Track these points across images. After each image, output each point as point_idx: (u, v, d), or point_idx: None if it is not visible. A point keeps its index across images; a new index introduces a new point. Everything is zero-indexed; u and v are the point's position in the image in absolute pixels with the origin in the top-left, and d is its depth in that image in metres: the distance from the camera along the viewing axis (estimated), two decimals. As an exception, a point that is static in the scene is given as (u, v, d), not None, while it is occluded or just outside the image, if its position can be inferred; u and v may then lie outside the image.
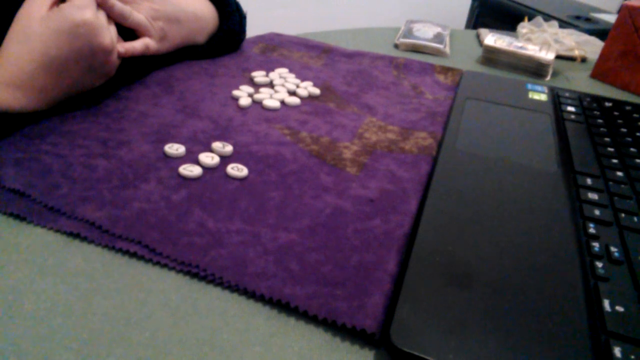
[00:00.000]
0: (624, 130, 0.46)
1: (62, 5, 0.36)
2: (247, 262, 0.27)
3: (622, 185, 0.36)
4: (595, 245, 0.29)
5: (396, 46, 0.69)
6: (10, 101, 0.36)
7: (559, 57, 0.70)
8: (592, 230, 0.31)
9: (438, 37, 0.70)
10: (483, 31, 0.77)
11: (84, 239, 0.29)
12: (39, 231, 0.29)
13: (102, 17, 0.38)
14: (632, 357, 0.22)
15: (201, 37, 0.53)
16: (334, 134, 0.42)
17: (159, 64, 0.51)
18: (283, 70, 0.53)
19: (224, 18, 0.55)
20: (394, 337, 0.22)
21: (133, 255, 0.28)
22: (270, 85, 0.51)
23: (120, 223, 0.29)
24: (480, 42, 0.74)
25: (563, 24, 1.38)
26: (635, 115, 0.49)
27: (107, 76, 0.41)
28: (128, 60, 0.44)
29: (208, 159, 0.36)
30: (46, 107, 0.38)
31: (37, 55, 0.36)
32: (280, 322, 0.25)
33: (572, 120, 0.47)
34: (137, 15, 0.43)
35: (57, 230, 0.29)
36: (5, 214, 0.30)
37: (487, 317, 0.24)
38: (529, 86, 0.55)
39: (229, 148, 0.37)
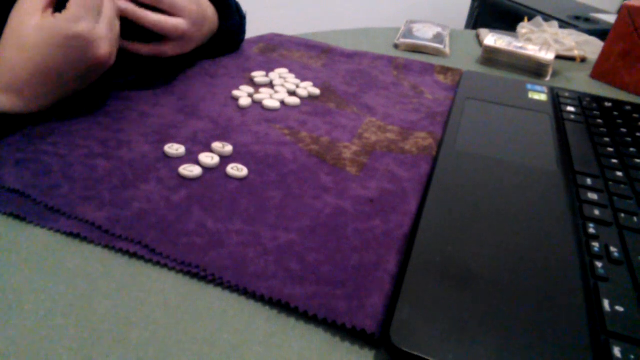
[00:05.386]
0: (623, 130, 0.46)
1: (57, 16, 0.35)
2: (247, 262, 0.27)
3: (622, 185, 0.36)
4: (595, 245, 0.30)
5: (396, 46, 0.69)
6: (7, 104, 0.36)
7: (558, 57, 0.70)
8: (592, 231, 0.31)
9: (438, 38, 0.70)
10: (483, 31, 0.77)
11: (84, 239, 0.29)
12: (39, 231, 0.29)
13: (101, 26, 0.37)
14: (632, 357, 0.22)
15: (206, 39, 0.53)
16: (333, 134, 0.42)
17: (159, 64, 0.51)
18: (283, 71, 0.53)
19: (224, 19, 0.55)
20: (394, 337, 0.22)
21: (133, 255, 0.28)
22: (270, 85, 0.51)
23: (120, 223, 0.29)
24: (480, 43, 0.74)
25: (563, 24, 1.38)
26: (635, 115, 0.49)
27: (102, 73, 0.41)
28: (130, 59, 0.44)
29: (208, 159, 0.36)
30: (43, 110, 0.38)
31: (32, 64, 0.35)
32: (280, 322, 0.25)
33: (572, 120, 0.47)
34: None
35: (57, 231, 0.29)
36: (5, 214, 0.30)
37: (487, 317, 0.24)
38: (529, 86, 0.55)
39: (228, 148, 0.37)
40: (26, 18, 0.35)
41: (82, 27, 0.35)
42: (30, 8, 0.35)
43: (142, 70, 0.49)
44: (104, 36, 0.37)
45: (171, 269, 0.27)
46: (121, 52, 0.41)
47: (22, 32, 0.35)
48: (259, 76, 0.51)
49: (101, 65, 0.38)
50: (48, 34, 0.35)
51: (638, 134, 0.45)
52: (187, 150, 0.37)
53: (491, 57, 0.65)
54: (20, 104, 0.36)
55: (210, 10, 0.52)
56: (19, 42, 0.35)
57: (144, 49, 0.45)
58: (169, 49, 0.47)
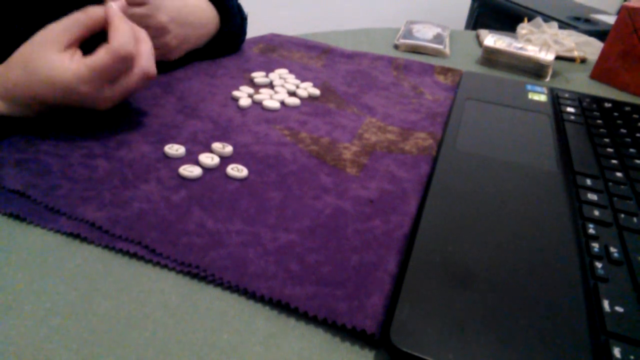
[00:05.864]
0: (623, 130, 0.46)
1: (68, 68, 0.34)
2: (247, 262, 0.27)
3: (622, 186, 0.36)
4: (595, 245, 0.30)
5: (396, 47, 0.69)
6: (8, 109, 0.36)
7: (558, 58, 0.70)
8: (591, 231, 0.31)
9: (438, 38, 0.70)
10: (483, 32, 0.77)
11: (84, 239, 0.29)
12: (39, 231, 0.29)
13: (112, 91, 0.36)
14: (632, 357, 0.22)
15: (204, 41, 0.53)
16: (333, 135, 0.42)
17: (159, 64, 0.51)
18: (283, 71, 0.53)
19: (225, 20, 0.55)
20: (394, 337, 0.22)
21: (133, 255, 0.28)
22: (270, 85, 0.51)
23: (120, 223, 0.29)
24: (480, 43, 0.74)
25: (562, 25, 1.38)
26: (634, 115, 0.49)
27: None
28: None
29: (208, 159, 0.36)
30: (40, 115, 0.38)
31: (33, 93, 0.35)
32: (280, 322, 0.25)
33: (572, 121, 0.47)
34: (160, 16, 0.44)
35: (57, 231, 0.29)
36: (5, 214, 0.30)
37: (487, 317, 0.24)
38: (529, 87, 0.55)
39: (228, 148, 0.37)
40: (45, 50, 0.34)
41: (88, 89, 0.35)
42: (52, 40, 0.34)
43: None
44: (109, 99, 0.36)
45: (171, 269, 0.27)
46: None
47: (35, 62, 0.34)
48: (258, 76, 0.51)
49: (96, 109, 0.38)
50: (55, 78, 0.34)
51: (638, 135, 0.45)
52: (187, 150, 0.37)
53: (491, 57, 0.65)
54: (19, 110, 0.36)
55: (204, 14, 0.52)
56: (29, 69, 0.34)
57: None
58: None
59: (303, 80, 0.52)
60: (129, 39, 0.35)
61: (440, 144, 0.41)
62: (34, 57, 0.34)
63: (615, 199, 0.34)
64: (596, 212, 0.33)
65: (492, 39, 0.66)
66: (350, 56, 0.61)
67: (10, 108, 0.36)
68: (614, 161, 0.40)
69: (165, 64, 0.51)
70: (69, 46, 0.35)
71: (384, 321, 0.24)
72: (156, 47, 0.47)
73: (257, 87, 0.50)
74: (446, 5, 2.21)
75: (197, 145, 0.38)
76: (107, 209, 0.30)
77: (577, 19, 1.48)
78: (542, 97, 0.52)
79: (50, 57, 0.34)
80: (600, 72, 0.64)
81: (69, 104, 0.36)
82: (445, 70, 0.59)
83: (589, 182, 0.36)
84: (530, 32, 0.75)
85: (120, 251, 0.28)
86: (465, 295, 0.25)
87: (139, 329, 0.24)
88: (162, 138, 0.39)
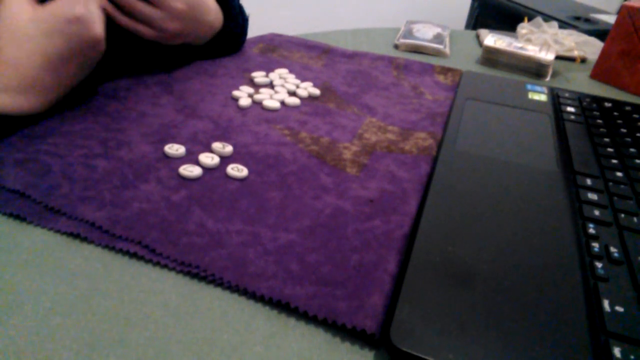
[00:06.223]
0: (623, 130, 0.46)
1: (53, 5, 0.36)
2: (247, 262, 0.27)
3: (622, 186, 0.36)
4: (595, 245, 0.30)
5: (396, 47, 0.69)
6: (11, 105, 0.36)
7: (558, 57, 0.70)
8: (591, 231, 0.31)
9: (438, 38, 0.70)
10: (483, 32, 0.77)
11: (84, 239, 0.29)
12: (39, 231, 0.29)
13: (93, 7, 0.38)
14: (632, 357, 0.22)
15: (207, 38, 0.53)
16: (333, 135, 0.42)
17: (159, 63, 0.51)
18: (283, 71, 0.53)
19: (227, 20, 0.55)
20: (394, 337, 0.22)
21: (133, 255, 0.28)
22: (270, 85, 0.51)
23: (120, 223, 0.29)
24: (480, 43, 0.74)
25: (563, 24, 1.38)
26: (634, 115, 0.49)
27: (98, 58, 0.41)
28: (128, 56, 0.44)
29: (208, 159, 0.36)
30: (46, 108, 0.38)
31: (37, 56, 0.35)
32: (280, 322, 0.25)
33: (572, 121, 0.47)
34: None
35: (57, 231, 0.29)
36: (5, 214, 0.30)
37: (487, 317, 0.24)
38: (529, 86, 0.55)
39: (229, 148, 0.37)
40: (19, 15, 0.35)
41: (79, 9, 0.36)
42: (18, 5, 0.36)
43: (142, 70, 0.49)
44: (98, 16, 0.38)
45: (171, 269, 0.27)
46: (121, 50, 0.41)
47: (20, 28, 0.35)
48: (259, 76, 0.51)
49: (96, 46, 0.39)
50: (48, 23, 0.35)
51: (638, 134, 0.45)
52: (187, 150, 0.37)
53: (491, 57, 0.65)
54: (24, 104, 0.36)
55: (213, 12, 0.52)
56: (19, 38, 0.35)
57: (130, 23, 0.44)
58: (146, 31, 0.45)
59: (303, 80, 0.52)
60: None
61: (440, 144, 0.41)
62: (17, 28, 0.35)
63: (615, 198, 0.34)
64: (596, 212, 0.33)
65: (492, 39, 0.66)
66: (351, 56, 0.61)
67: (18, 101, 0.36)
68: (614, 161, 0.40)
69: (166, 63, 0.51)
70: (33, 4, 0.36)
71: (384, 321, 0.24)
72: (156, 27, 0.44)
73: (257, 87, 0.50)
74: (446, 5, 2.21)
75: (197, 145, 0.38)
76: (107, 209, 0.30)
77: (577, 18, 1.48)
78: (542, 97, 0.52)
79: (29, 15, 0.35)
80: (601, 72, 0.64)
81: (72, 47, 0.37)
82: (445, 70, 0.59)
83: (589, 181, 0.36)
84: (531, 31, 0.75)
85: (120, 251, 0.28)
86: (465, 295, 0.25)
87: (139, 329, 0.24)
88: (162, 138, 0.39)
